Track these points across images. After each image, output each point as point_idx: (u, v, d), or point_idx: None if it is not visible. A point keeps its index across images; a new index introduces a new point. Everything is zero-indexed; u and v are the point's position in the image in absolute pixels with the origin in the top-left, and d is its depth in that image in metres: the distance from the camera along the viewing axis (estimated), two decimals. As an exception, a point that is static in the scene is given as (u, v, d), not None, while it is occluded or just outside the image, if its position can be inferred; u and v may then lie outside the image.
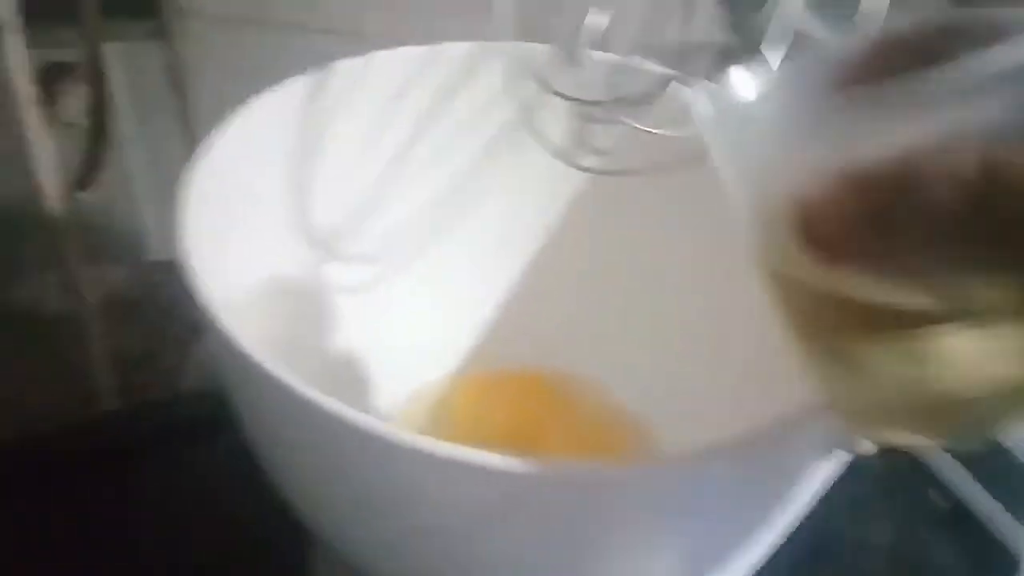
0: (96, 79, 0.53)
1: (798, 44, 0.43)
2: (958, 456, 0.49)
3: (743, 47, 0.36)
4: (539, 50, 0.36)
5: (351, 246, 0.42)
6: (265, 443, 0.30)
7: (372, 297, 0.42)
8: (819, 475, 0.47)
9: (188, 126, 0.70)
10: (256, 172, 0.37)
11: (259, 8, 0.89)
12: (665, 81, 0.31)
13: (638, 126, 0.31)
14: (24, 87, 0.44)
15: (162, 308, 0.75)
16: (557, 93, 0.32)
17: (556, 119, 0.35)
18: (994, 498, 0.47)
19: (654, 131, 0.31)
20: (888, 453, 0.50)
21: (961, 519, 0.48)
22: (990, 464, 0.48)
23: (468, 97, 0.41)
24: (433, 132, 0.42)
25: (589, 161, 0.33)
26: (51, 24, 0.58)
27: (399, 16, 0.90)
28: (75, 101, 0.52)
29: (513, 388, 0.44)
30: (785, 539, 0.45)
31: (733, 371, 0.39)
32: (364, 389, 0.43)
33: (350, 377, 0.42)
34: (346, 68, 0.38)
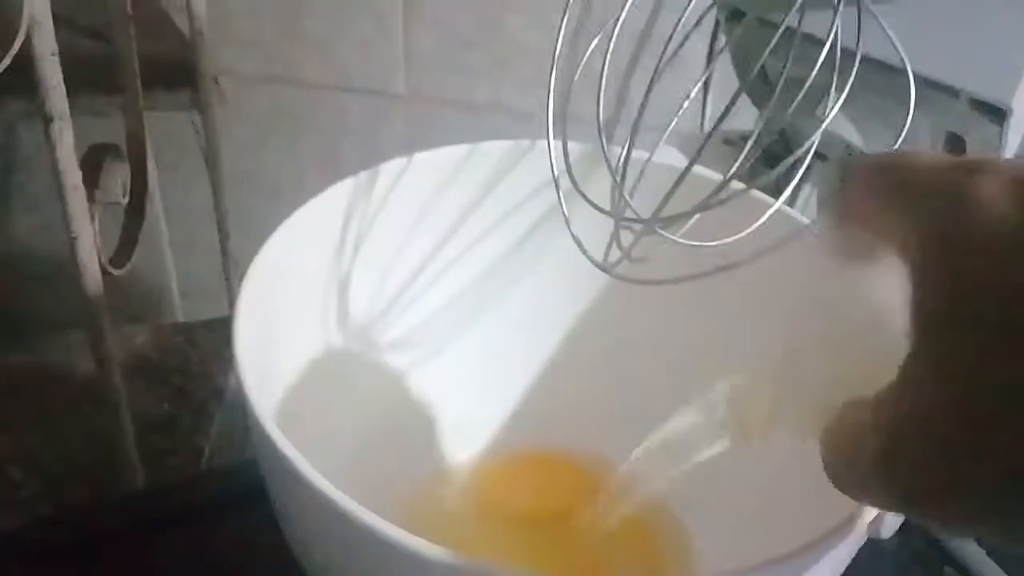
0: (137, 158, 0.55)
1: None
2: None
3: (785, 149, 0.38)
4: (576, 150, 0.38)
5: (386, 335, 0.43)
6: (303, 544, 0.31)
7: (406, 382, 0.44)
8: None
9: (216, 191, 0.72)
10: (303, 270, 0.38)
11: (283, 66, 0.91)
12: (706, 196, 0.33)
13: (677, 240, 0.33)
14: (71, 173, 0.46)
15: (184, 370, 0.77)
16: (595, 206, 0.33)
17: (593, 222, 0.36)
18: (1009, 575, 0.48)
19: (691, 243, 0.33)
20: (903, 531, 0.51)
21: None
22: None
23: (504, 193, 0.43)
24: (469, 226, 0.43)
25: (622, 268, 0.34)
26: (91, 96, 0.60)
27: (423, 75, 0.93)
28: (115, 180, 0.53)
29: (543, 470, 0.45)
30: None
31: (762, 463, 0.40)
32: (393, 470, 0.44)
33: (380, 457, 0.43)
34: (390, 169, 0.40)
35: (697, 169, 0.41)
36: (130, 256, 0.54)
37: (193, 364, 0.75)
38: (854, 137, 0.43)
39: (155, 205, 0.86)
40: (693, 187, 0.34)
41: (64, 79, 0.44)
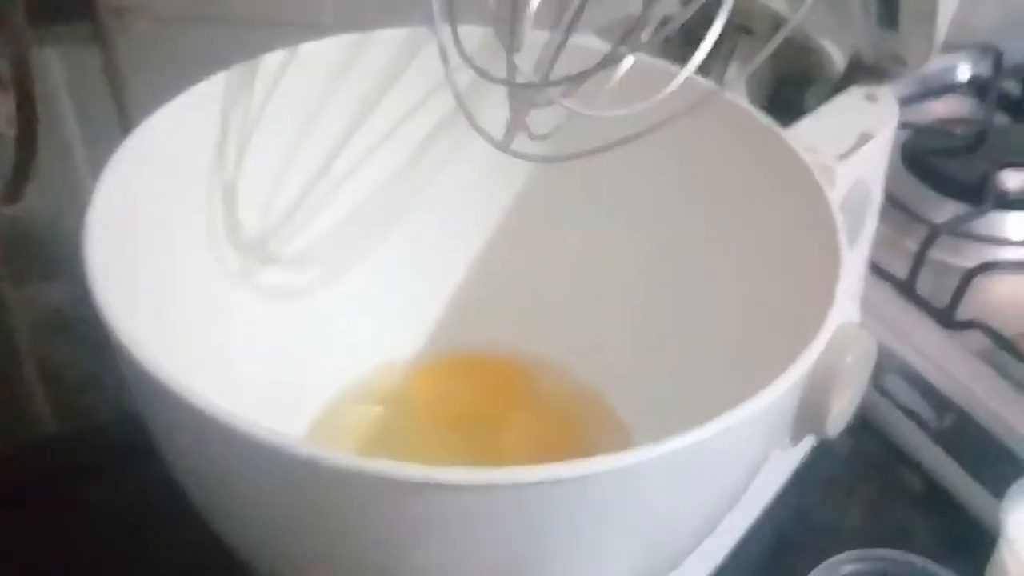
0: (23, 88, 0.51)
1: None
2: (929, 432, 0.48)
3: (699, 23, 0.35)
4: (475, 33, 0.34)
5: (286, 248, 0.40)
6: (181, 466, 0.29)
7: (313, 297, 0.41)
8: (786, 460, 0.46)
9: (128, 132, 0.68)
10: (176, 176, 0.35)
11: (204, 4, 0.86)
12: (602, 58, 0.29)
13: (575, 108, 0.29)
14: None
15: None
16: (487, 76, 0.30)
17: (500, 105, 0.33)
18: (968, 473, 0.46)
19: (591, 112, 0.30)
20: (857, 434, 0.49)
21: (935, 497, 0.47)
22: (963, 438, 0.47)
23: (404, 86, 0.39)
24: (371, 124, 0.40)
25: (526, 147, 0.31)
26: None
27: (354, 4, 0.88)
28: (1, 110, 0.50)
29: (476, 373, 0.43)
30: (756, 528, 0.44)
31: (706, 347, 0.37)
32: (312, 385, 0.41)
33: (293, 375, 0.40)
34: (272, 61, 0.37)
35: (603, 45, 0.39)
36: (22, 191, 0.50)
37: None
38: (781, 6, 0.40)
39: (74, 151, 0.82)
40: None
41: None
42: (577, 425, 0.41)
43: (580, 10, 0.30)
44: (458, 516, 0.25)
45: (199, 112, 0.35)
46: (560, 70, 0.31)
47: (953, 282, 0.50)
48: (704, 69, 0.34)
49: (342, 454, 0.23)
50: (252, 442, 0.23)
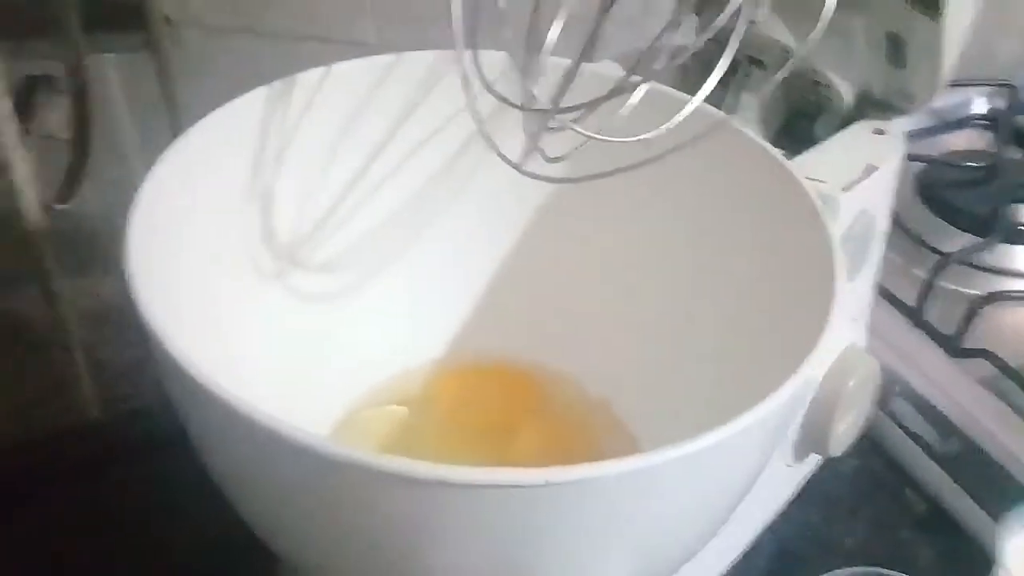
0: (78, 91, 0.54)
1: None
2: (934, 456, 0.49)
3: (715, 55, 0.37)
4: (501, 57, 0.36)
5: (318, 253, 0.42)
6: (210, 457, 0.31)
7: (341, 301, 0.43)
8: (791, 476, 0.47)
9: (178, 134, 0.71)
10: (214, 183, 0.37)
11: (251, 17, 0.89)
12: (613, 86, 0.31)
13: (586, 133, 0.31)
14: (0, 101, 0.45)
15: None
16: (503, 100, 0.32)
17: (517, 126, 0.35)
18: (970, 497, 0.47)
19: (601, 137, 0.32)
20: (863, 454, 0.50)
21: (937, 519, 0.48)
22: (966, 463, 0.48)
23: (433, 104, 0.42)
24: (401, 140, 0.42)
25: (542, 170, 0.33)
26: (33, 38, 0.59)
27: (392, 23, 0.91)
28: (56, 114, 0.52)
29: (493, 380, 0.45)
30: (760, 540, 0.46)
31: (711, 363, 0.39)
32: (335, 386, 0.43)
33: (318, 376, 0.42)
34: (307, 79, 0.39)
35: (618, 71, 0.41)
36: (75, 190, 0.53)
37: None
38: (789, 40, 0.42)
39: (129, 152, 0.85)
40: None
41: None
42: (585, 434, 0.43)
43: (593, 39, 0.32)
44: (463, 514, 0.26)
45: (240, 123, 0.37)
46: (579, 96, 0.33)
47: (961, 311, 0.51)
48: (716, 99, 0.36)
49: (358, 450, 0.24)
50: (275, 436, 0.25)
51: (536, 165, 0.33)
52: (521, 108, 0.31)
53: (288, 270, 0.41)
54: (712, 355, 0.39)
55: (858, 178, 0.40)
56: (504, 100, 0.32)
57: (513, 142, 0.33)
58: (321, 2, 0.88)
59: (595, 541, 0.28)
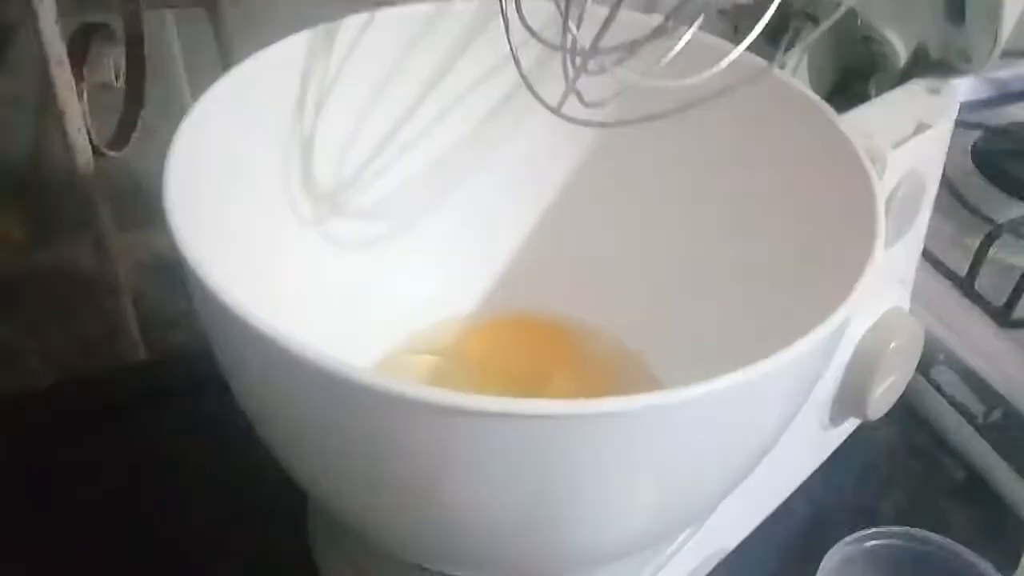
0: (134, 40, 0.54)
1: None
2: (976, 425, 0.48)
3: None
4: (544, 7, 0.36)
5: (357, 201, 0.42)
6: (248, 396, 0.31)
7: (378, 250, 0.43)
8: (827, 440, 0.47)
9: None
10: (255, 125, 0.37)
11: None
12: (654, 29, 0.31)
13: (625, 75, 0.31)
14: (55, 45, 0.46)
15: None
16: (541, 40, 0.32)
17: (554, 74, 0.35)
18: (1012, 468, 0.47)
19: (642, 81, 0.31)
20: (901, 421, 0.49)
21: (976, 489, 0.48)
22: (1009, 434, 0.47)
23: (476, 53, 0.42)
24: (444, 87, 0.42)
25: (581, 114, 0.33)
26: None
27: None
28: (109, 63, 0.53)
29: (527, 332, 0.45)
30: (791, 502, 0.45)
31: (747, 317, 0.39)
32: (371, 335, 0.43)
33: (353, 324, 0.42)
34: (352, 24, 0.39)
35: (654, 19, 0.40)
36: (128, 139, 0.54)
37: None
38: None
39: (184, 107, 0.86)
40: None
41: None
42: (618, 385, 0.43)
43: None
44: (486, 445, 0.26)
45: (281, 66, 0.38)
46: (620, 40, 0.32)
47: (1012, 281, 0.50)
48: (768, 56, 0.35)
49: (393, 380, 0.24)
50: (311, 367, 0.25)
51: (574, 109, 0.33)
52: (559, 48, 0.31)
53: (327, 217, 0.42)
54: (749, 309, 0.39)
55: (908, 136, 0.39)
56: (540, 39, 0.32)
57: (556, 91, 0.33)
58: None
59: (618, 478, 0.28)
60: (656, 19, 0.42)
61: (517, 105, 0.43)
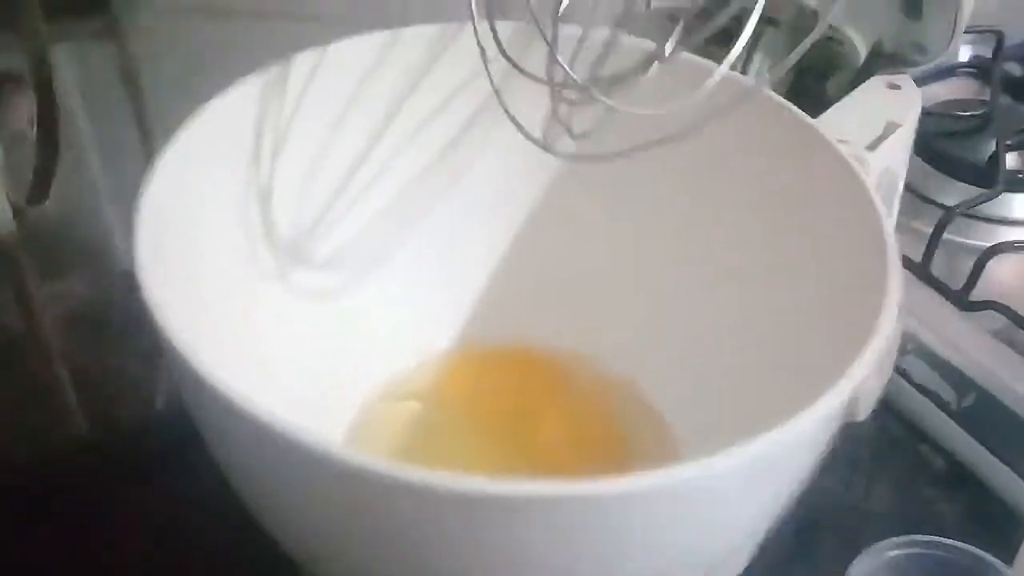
0: (42, 86, 0.51)
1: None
2: (950, 412, 0.48)
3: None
4: (509, 28, 0.35)
5: (320, 248, 0.40)
6: (228, 461, 0.29)
7: (347, 295, 0.41)
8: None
9: (144, 127, 0.68)
10: (215, 178, 0.35)
11: (203, -2, 0.86)
12: (643, 58, 0.30)
13: (619, 107, 0.30)
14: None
15: (131, 320, 0.73)
16: (529, 75, 0.30)
17: (530, 100, 0.33)
18: (989, 451, 0.47)
19: (636, 111, 0.30)
20: (876, 415, 0.49)
21: (957, 475, 0.48)
22: (983, 417, 0.48)
23: (433, 82, 0.40)
24: (400, 122, 0.40)
25: (566, 146, 0.32)
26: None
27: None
28: (20, 110, 0.49)
29: (510, 366, 0.44)
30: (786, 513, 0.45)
31: (735, 336, 0.38)
32: (349, 382, 0.41)
33: (331, 372, 0.40)
34: (303, 61, 0.37)
35: (640, 42, 0.39)
36: (47, 190, 0.50)
37: (136, 313, 0.71)
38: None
39: (86, 146, 0.82)
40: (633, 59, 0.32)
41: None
42: (611, 414, 0.42)
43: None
44: (496, 527, 0.25)
45: (236, 113, 0.36)
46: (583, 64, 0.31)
47: (967, 264, 0.50)
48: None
49: (382, 460, 0.23)
50: (296, 445, 0.23)
51: (563, 143, 0.32)
52: (550, 83, 0.30)
53: (290, 268, 0.39)
54: (744, 331, 0.38)
55: (881, 136, 0.39)
56: (530, 76, 0.30)
57: (523, 111, 0.32)
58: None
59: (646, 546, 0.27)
60: (646, 44, 0.41)
61: (477, 132, 0.41)
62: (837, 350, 0.29)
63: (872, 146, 0.38)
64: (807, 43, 0.32)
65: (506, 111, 0.31)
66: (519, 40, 0.36)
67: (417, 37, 0.39)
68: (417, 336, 0.43)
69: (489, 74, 0.31)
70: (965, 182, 0.56)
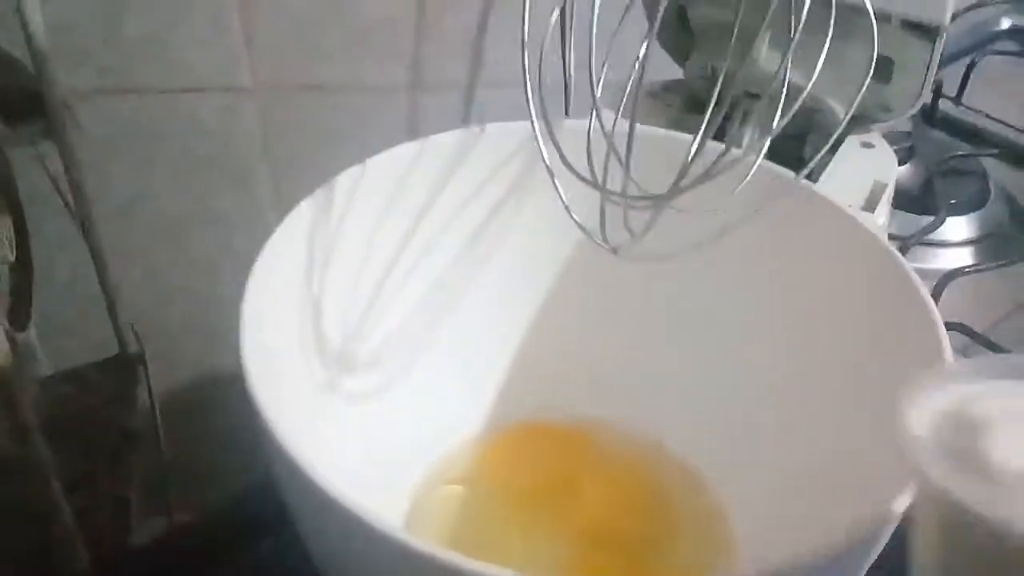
0: (13, 207, 0.49)
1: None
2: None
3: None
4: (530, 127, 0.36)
5: (364, 349, 0.41)
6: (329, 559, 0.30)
7: (389, 393, 0.42)
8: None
9: (85, 222, 0.66)
10: (278, 297, 0.35)
11: (122, 78, 0.84)
12: (719, 164, 0.32)
13: (681, 210, 0.32)
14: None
15: (86, 420, 0.70)
16: (598, 188, 0.32)
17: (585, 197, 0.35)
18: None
19: (699, 211, 0.32)
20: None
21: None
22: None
23: (457, 182, 0.41)
24: (428, 221, 0.41)
25: (626, 249, 0.33)
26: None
27: (278, 65, 0.88)
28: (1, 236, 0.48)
29: (539, 441, 0.45)
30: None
31: (768, 412, 0.40)
32: (396, 473, 0.42)
33: (379, 465, 0.41)
34: (346, 179, 0.38)
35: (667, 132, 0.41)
36: (29, 314, 0.49)
37: (93, 411, 0.69)
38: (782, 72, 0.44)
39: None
40: (656, 149, 0.34)
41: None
42: (647, 476, 0.44)
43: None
44: None
45: (296, 234, 0.36)
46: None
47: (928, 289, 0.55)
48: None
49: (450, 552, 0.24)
50: (393, 543, 0.25)
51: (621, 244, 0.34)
52: (624, 198, 0.31)
53: (338, 377, 0.40)
54: (767, 388, 0.41)
55: (873, 196, 0.42)
56: (599, 188, 0.32)
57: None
58: (194, 53, 0.84)
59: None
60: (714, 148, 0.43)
61: (498, 223, 0.43)
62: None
63: (869, 208, 0.41)
64: (788, 115, 0.35)
65: (575, 221, 0.33)
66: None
67: (442, 143, 0.40)
68: (452, 420, 0.44)
69: (557, 189, 0.33)
70: (907, 211, 0.61)
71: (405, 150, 0.39)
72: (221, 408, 0.87)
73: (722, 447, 0.42)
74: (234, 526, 0.46)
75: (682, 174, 0.30)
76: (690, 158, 0.30)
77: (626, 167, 0.31)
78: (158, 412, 0.72)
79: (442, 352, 0.43)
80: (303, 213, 0.36)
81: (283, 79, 0.87)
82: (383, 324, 0.41)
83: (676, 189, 0.30)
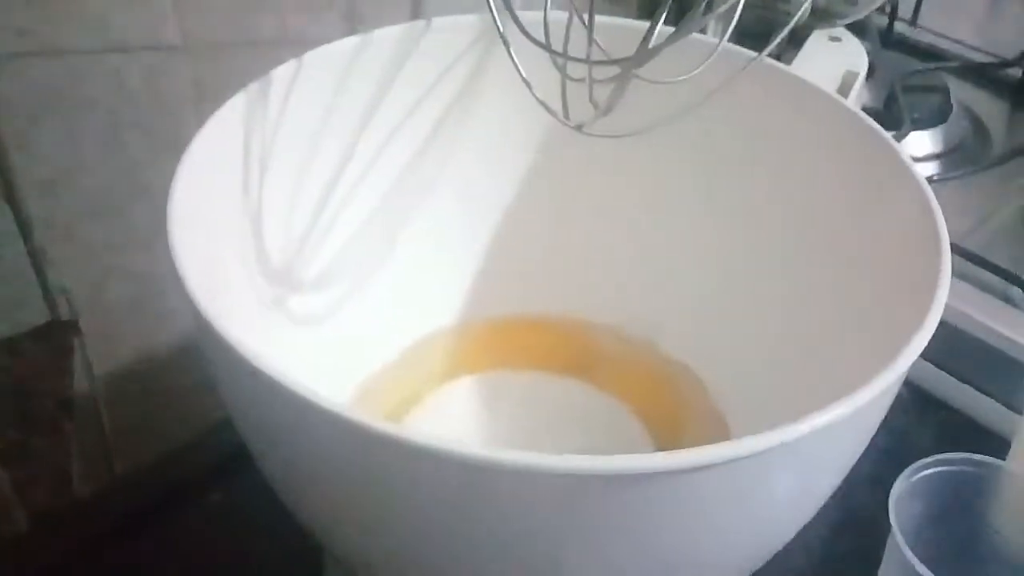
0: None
1: None
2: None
3: None
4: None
5: (314, 264, 0.38)
6: (263, 446, 0.28)
7: (343, 306, 0.39)
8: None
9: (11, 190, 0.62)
10: (214, 205, 0.32)
11: (43, 40, 0.79)
12: (671, 35, 0.29)
13: (648, 79, 0.29)
14: None
15: (21, 390, 0.67)
16: (559, 55, 0.30)
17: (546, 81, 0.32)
18: (955, 378, 0.49)
19: (664, 81, 0.30)
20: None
21: (921, 399, 0.50)
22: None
23: (406, 79, 0.38)
24: (377, 122, 0.38)
25: (595, 126, 0.31)
26: None
27: (208, 21, 0.84)
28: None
29: (538, 331, 0.43)
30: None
31: (759, 301, 0.38)
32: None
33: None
34: (282, 74, 0.34)
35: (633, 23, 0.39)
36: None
37: (29, 381, 0.65)
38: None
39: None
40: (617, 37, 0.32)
41: None
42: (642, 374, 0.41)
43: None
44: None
45: (225, 136, 0.33)
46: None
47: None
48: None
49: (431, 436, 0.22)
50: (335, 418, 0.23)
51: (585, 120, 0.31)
52: (589, 63, 0.29)
53: (285, 295, 0.37)
54: (756, 277, 0.39)
55: (844, 86, 0.40)
56: (558, 54, 0.29)
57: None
58: (116, 9, 0.79)
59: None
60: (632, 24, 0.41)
61: (454, 121, 0.40)
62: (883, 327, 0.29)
63: (843, 94, 0.39)
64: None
65: (536, 98, 0.30)
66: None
67: (386, 37, 0.37)
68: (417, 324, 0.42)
69: (514, 60, 0.30)
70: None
71: (346, 44, 0.36)
72: (165, 384, 0.83)
73: (716, 344, 0.40)
74: (180, 477, 0.43)
75: (649, 34, 0.28)
76: (662, 17, 0.28)
77: (590, 27, 0.28)
78: (97, 382, 0.68)
79: (401, 264, 0.41)
80: (236, 107, 0.33)
81: (214, 36, 0.83)
82: (333, 235, 0.39)
83: (644, 51, 0.28)
